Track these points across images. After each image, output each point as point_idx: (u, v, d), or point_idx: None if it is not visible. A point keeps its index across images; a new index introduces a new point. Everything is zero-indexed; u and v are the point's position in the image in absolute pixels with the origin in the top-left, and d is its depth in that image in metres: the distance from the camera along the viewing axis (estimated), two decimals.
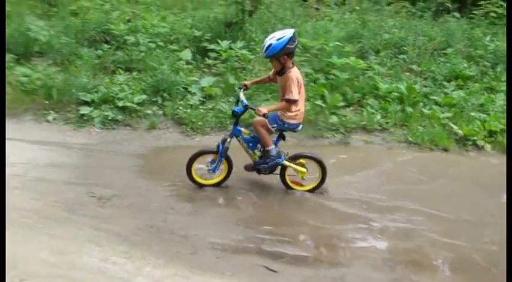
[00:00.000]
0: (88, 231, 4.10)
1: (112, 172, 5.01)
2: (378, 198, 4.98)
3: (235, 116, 4.71)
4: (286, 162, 4.77)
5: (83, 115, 6.33)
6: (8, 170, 5.04)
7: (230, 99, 6.67)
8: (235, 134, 4.76)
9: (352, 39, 8.77)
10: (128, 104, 6.34)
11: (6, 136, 5.90)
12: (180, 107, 6.44)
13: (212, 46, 7.76)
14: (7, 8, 9.31)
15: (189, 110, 6.37)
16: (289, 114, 4.58)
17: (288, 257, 3.93)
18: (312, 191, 4.92)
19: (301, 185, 4.95)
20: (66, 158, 5.52)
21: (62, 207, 4.48)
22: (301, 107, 4.64)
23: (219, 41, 7.80)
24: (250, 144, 4.81)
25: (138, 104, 6.42)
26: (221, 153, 4.73)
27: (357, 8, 10.44)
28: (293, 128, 4.74)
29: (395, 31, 9.08)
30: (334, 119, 6.57)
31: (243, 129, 4.84)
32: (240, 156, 4.93)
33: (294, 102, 4.48)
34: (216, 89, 6.81)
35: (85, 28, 8.46)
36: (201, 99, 6.68)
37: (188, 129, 6.16)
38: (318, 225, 4.43)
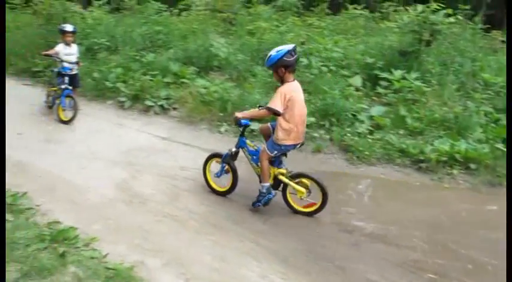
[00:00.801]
0: (248, 245, 4.21)
1: None
2: None
3: (239, 126, 4.73)
4: (284, 179, 4.68)
5: (252, 131, 6.58)
6: (182, 173, 5.49)
7: (400, 132, 6.38)
8: (241, 145, 4.86)
9: None
10: None
11: (184, 142, 6.47)
12: (348, 134, 6.34)
13: (384, 74, 7.56)
14: (195, 26, 10.31)
15: (356, 138, 6.24)
16: (280, 135, 4.48)
17: None
18: (311, 214, 4.74)
19: (303, 206, 4.79)
20: None
21: (226, 217, 4.69)
22: (294, 126, 4.48)
23: (392, 70, 7.57)
24: (254, 157, 4.80)
25: (307, 126, 6.45)
26: (223, 159, 4.90)
27: None
28: (291, 148, 4.64)
29: None
30: None
31: (248, 141, 4.91)
32: None
33: (270, 111, 4.41)
34: (385, 119, 6.56)
35: (260, 47, 8.91)
36: (370, 128, 6.50)
37: (354, 158, 6.02)
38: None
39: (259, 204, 4.75)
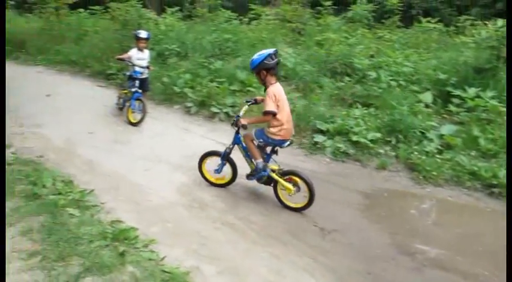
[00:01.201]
0: (305, 260, 4.12)
1: (336, 205, 4.97)
2: None
3: (241, 127, 4.93)
4: (274, 176, 4.95)
5: (316, 143, 6.50)
6: (243, 182, 5.48)
7: (472, 153, 6.03)
8: (236, 142, 5.15)
9: None
10: (361, 140, 6.28)
11: None
12: (415, 152, 6.08)
13: (457, 92, 7.20)
14: (263, 35, 10.36)
15: (424, 157, 5.97)
16: (272, 130, 4.77)
17: None
18: (298, 210, 4.95)
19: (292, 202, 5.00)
20: None
21: (285, 229, 4.62)
22: (284, 123, 4.74)
23: (466, 88, 7.20)
24: (248, 153, 5.08)
25: (372, 141, 6.29)
26: (222, 157, 5.21)
27: None
28: (278, 144, 4.90)
29: None
30: None
31: (242, 138, 5.11)
32: None
33: (270, 113, 4.65)
34: (456, 139, 6.24)
35: (328, 59, 8.78)
36: (439, 147, 6.20)
37: (420, 177, 5.74)
38: None
39: (253, 178, 5.10)
